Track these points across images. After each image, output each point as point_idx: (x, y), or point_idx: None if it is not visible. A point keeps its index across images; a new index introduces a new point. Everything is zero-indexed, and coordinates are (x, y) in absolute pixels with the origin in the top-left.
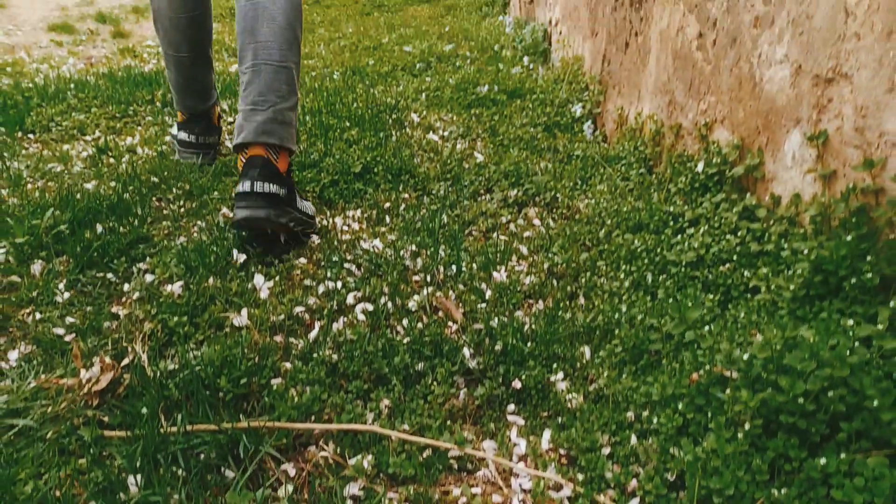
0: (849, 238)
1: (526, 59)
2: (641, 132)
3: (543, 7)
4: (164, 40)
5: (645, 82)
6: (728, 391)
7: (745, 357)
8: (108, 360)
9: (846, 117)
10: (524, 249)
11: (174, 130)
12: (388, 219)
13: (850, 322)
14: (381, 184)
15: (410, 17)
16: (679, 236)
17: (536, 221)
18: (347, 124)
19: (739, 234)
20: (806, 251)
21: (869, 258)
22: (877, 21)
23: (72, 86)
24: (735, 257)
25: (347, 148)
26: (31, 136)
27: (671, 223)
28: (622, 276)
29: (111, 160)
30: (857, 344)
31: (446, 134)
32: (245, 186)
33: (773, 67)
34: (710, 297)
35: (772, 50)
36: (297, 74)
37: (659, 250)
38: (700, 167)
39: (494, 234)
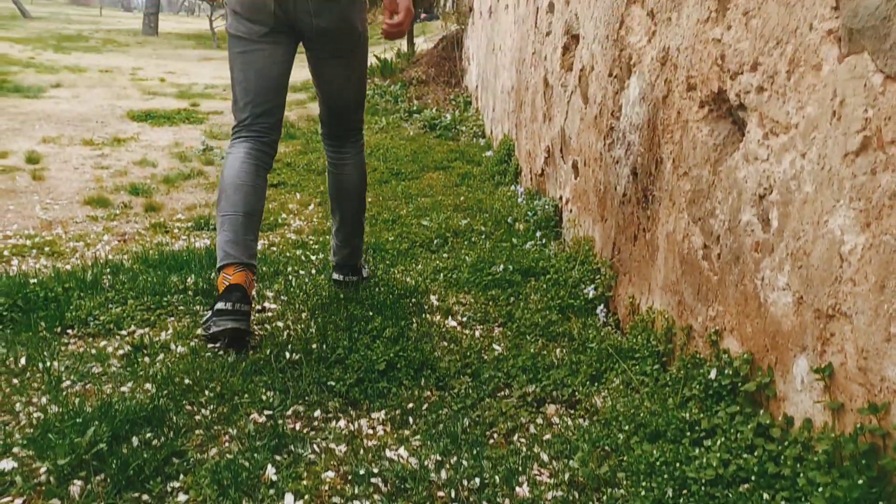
0: (860, 481)
1: (539, 233)
2: (653, 326)
3: (553, 183)
4: (224, 202)
5: (655, 277)
6: None
7: None
8: None
9: (849, 354)
10: (545, 456)
11: (209, 315)
12: (411, 420)
13: None
14: (403, 380)
15: (426, 185)
16: (697, 449)
17: (555, 420)
18: (371, 313)
19: (756, 452)
20: (821, 488)
21: (881, 503)
22: (870, 272)
23: (107, 271)
24: (753, 477)
25: (371, 343)
26: (69, 331)
27: (688, 432)
28: (643, 492)
29: (146, 359)
30: None
31: (464, 320)
32: (338, 276)
33: (776, 292)
34: None
35: (774, 276)
36: (364, 220)
37: (678, 465)
38: (713, 374)
39: (515, 437)
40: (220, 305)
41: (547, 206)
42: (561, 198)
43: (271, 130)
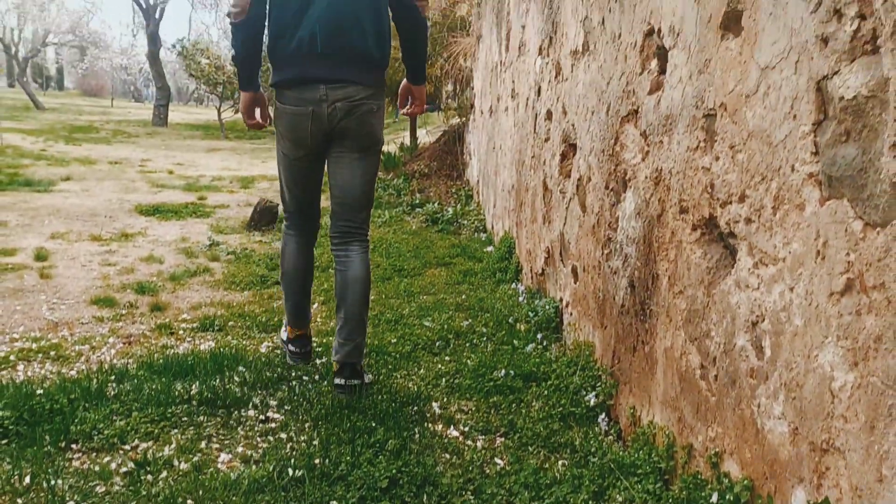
0: None
1: (539, 335)
2: (654, 440)
3: (553, 284)
4: (286, 281)
5: (655, 390)
6: None
7: None
8: None
9: (844, 491)
10: None
11: (283, 336)
12: None
13: None
14: (406, 497)
15: (429, 282)
16: None
17: None
18: (373, 424)
19: None
20: None
21: None
22: (860, 411)
23: (112, 378)
24: None
25: (374, 457)
26: (74, 445)
27: None
28: None
29: (149, 476)
30: None
31: (466, 429)
32: (340, 381)
33: (772, 420)
34: None
35: (769, 404)
36: (367, 316)
37: None
38: (714, 499)
39: None
40: (291, 348)
41: (547, 307)
42: (561, 300)
43: (313, 216)
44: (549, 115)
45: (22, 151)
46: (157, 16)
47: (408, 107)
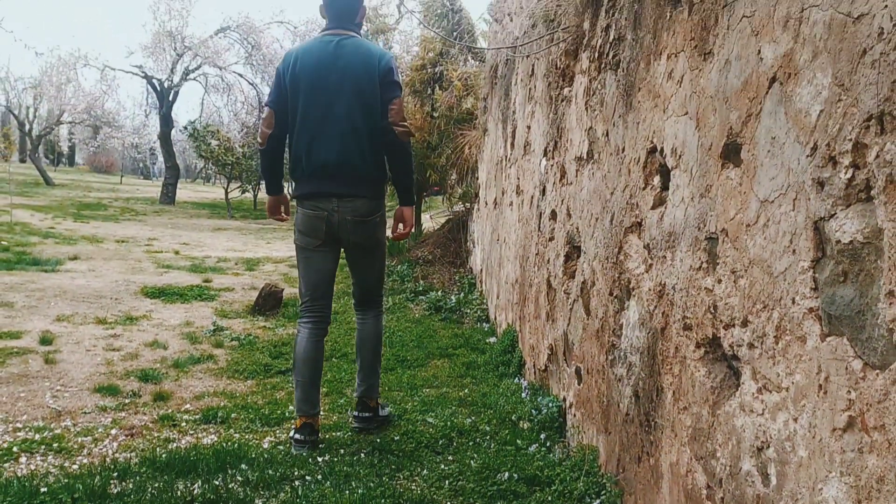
0: None
1: (543, 435)
2: None
3: (557, 382)
4: (298, 371)
5: None
6: None
7: None
8: None
9: None
10: None
11: (292, 434)
12: None
13: None
14: None
15: (432, 374)
16: None
17: None
18: None
19: None
20: None
21: None
22: None
23: (115, 475)
24: None
25: None
26: None
27: None
28: None
29: None
30: None
31: None
32: (356, 413)
33: None
34: None
35: None
36: (379, 364)
37: None
38: None
39: None
40: (297, 437)
41: (551, 406)
42: (564, 399)
43: (325, 308)
44: (553, 215)
45: (31, 229)
46: (170, 98)
47: (399, 230)
